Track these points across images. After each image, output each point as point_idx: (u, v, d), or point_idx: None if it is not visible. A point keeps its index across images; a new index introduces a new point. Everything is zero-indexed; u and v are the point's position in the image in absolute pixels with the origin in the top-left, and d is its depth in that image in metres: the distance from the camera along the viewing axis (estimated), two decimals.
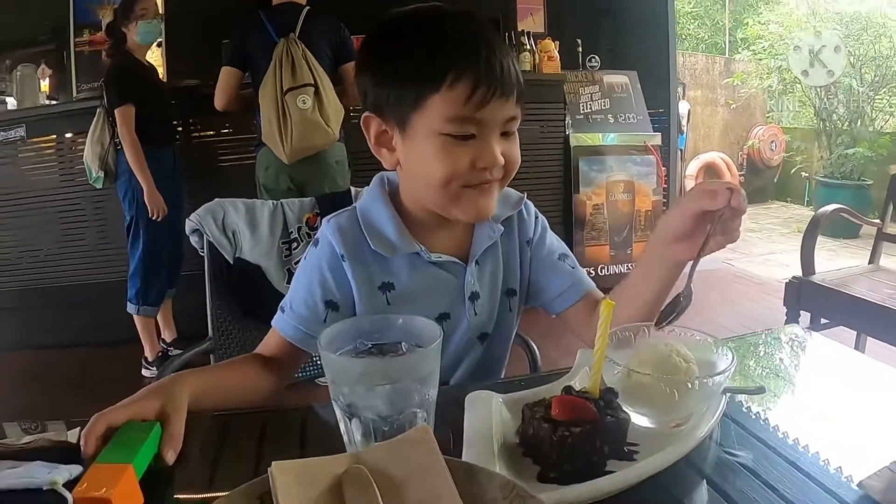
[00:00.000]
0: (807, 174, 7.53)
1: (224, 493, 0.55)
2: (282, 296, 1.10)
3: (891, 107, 6.78)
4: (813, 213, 3.17)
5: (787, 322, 2.65)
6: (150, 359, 3.35)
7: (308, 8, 2.91)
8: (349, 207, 1.09)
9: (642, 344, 0.80)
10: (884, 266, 2.87)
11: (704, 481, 0.68)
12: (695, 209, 0.83)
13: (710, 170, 7.70)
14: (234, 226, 1.48)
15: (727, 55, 9.71)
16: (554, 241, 1.17)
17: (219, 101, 2.99)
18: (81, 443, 0.72)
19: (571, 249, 1.20)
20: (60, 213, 3.69)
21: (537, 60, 4.22)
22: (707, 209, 0.81)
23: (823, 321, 2.63)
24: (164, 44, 4.05)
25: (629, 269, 4.24)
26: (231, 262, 1.48)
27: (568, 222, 4.23)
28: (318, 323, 1.02)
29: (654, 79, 4.58)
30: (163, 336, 3.52)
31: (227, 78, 2.97)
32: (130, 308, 3.27)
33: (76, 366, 3.51)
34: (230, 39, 3.09)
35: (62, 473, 0.67)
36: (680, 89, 5.73)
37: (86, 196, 3.60)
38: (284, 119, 2.79)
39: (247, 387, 1.00)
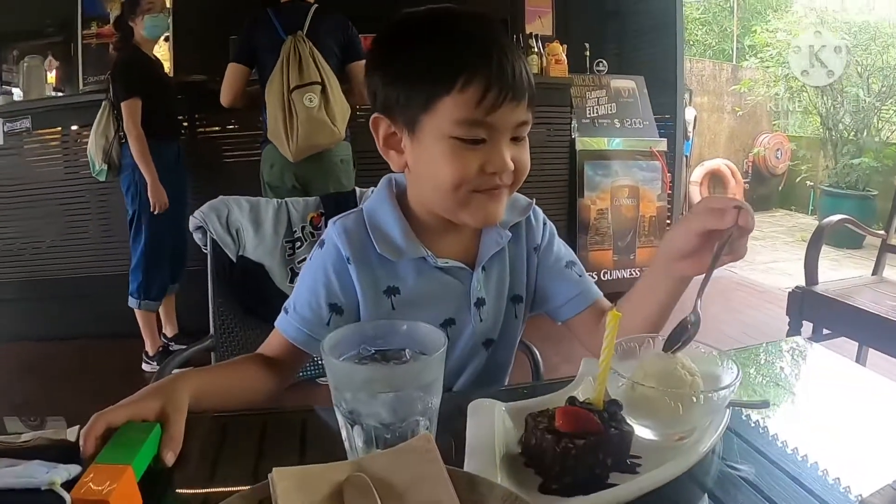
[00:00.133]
0: (812, 183, 7.52)
1: (225, 498, 0.55)
2: (284, 295, 1.10)
3: None
4: (817, 222, 3.17)
5: (789, 331, 2.65)
6: (150, 353, 3.35)
7: (316, 6, 2.91)
8: (356, 209, 1.08)
9: (647, 355, 0.80)
10: (887, 277, 2.86)
11: (706, 495, 0.68)
12: (700, 228, 0.82)
13: (714, 177, 7.69)
14: (237, 223, 1.48)
15: (734, 62, 9.69)
16: (562, 249, 1.16)
17: (225, 98, 2.99)
18: (80, 442, 0.72)
19: (575, 253, 1.19)
20: (64, 205, 3.70)
21: (545, 64, 4.22)
22: (714, 228, 0.81)
23: (826, 332, 2.61)
24: (171, 38, 4.05)
25: (632, 274, 4.26)
26: (234, 259, 1.48)
27: (572, 226, 4.23)
28: (322, 326, 1.01)
29: (661, 84, 4.57)
30: (164, 331, 3.53)
31: (233, 74, 2.96)
32: (132, 302, 3.27)
33: (76, 358, 3.51)
34: (237, 36, 3.09)
35: (61, 473, 0.67)
36: (687, 95, 5.73)
37: (90, 189, 3.60)
38: (290, 117, 2.79)
39: (248, 388, 0.99)
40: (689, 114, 6.14)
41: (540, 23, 4.75)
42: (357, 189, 1.57)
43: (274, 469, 0.56)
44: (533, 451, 0.69)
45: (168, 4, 3.54)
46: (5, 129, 3.58)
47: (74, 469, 0.68)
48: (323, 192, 1.63)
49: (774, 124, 8.63)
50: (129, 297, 3.27)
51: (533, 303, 1.15)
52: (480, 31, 0.91)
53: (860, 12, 6.82)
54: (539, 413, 0.71)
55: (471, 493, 0.57)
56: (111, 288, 3.44)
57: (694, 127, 6.70)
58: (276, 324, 1.06)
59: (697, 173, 7.61)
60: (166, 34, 3.80)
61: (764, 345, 1.12)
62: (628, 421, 0.71)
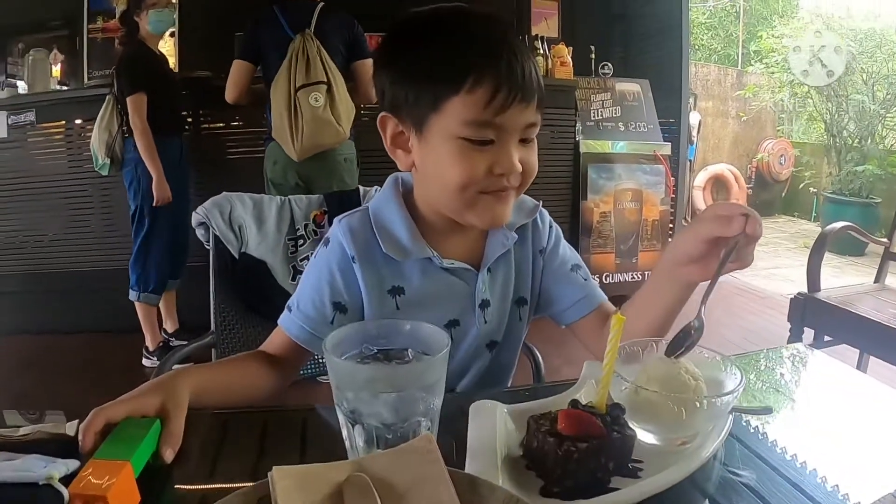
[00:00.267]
0: (815, 190, 7.52)
1: (224, 496, 0.55)
2: (286, 293, 1.09)
3: None
4: (820, 228, 3.16)
5: (790, 338, 2.65)
6: (150, 348, 3.35)
7: (322, 4, 2.90)
8: (361, 208, 1.08)
9: (651, 359, 0.79)
10: (889, 285, 2.85)
11: (707, 501, 0.68)
12: (707, 235, 0.82)
13: (718, 182, 7.69)
14: (240, 220, 1.48)
15: (740, 67, 9.70)
16: (567, 252, 1.16)
17: (230, 95, 2.99)
18: (80, 437, 0.71)
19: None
20: (67, 198, 3.70)
21: (550, 66, 4.21)
22: (721, 235, 0.80)
23: (827, 339, 2.61)
24: (177, 34, 4.05)
25: (634, 277, 4.25)
26: (236, 256, 1.47)
27: (575, 229, 4.21)
28: (325, 324, 1.00)
29: (665, 88, 4.57)
30: (164, 327, 3.53)
31: (238, 71, 2.96)
32: (132, 295, 3.27)
33: (76, 352, 3.51)
34: (243, 32, 3.09)
35: (59, 468, 0.66)
36: (691, 100, 5.72)
37: (92, 183, 3.61)
38: (296, 116, 2.79)
39: (249, 385, 0.99)
40: (694, 118, 6.13)
41: (546, 24, 4.74)
42: (360, 188, 1.57)
43: (274, 468, 0.56)
44: (535, 454, 0.69)
45: (174, 0, 3.54)
46: (9, 122, 3.59)
47: (73, 464, 0.68)
48: (326, 191, 1.63)
49: (779, 130, 8.64)
50: (130, 290, 3.27)
51: (537, 305, 1.14)
52: (490, 30, 0.90)
53: (866, 19, 6.81)
54: (541, 415, 0.71)
55: (472, 494, 0.56)
56: (113, 282, 3.44)
57: (698, 131, 6.70)
58: (279, 321, 1.05)
59: (701, 178, 7.61)
60: (172, 30, 3.80)
61: (765, 351, 1.12)
62: (631, 425, 0.71)
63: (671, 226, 4.49)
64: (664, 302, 0.94)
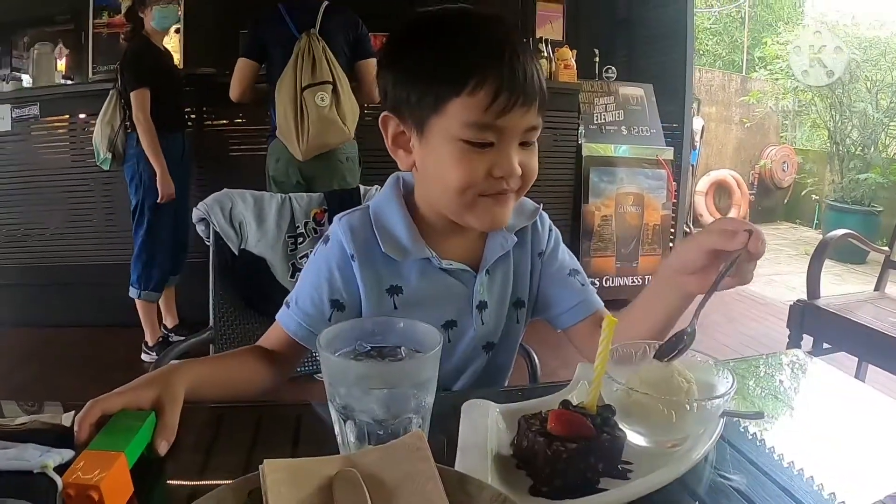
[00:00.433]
0: (817, 197, 7.51)
1: (214, 488, 0.55)
2: (285, 290, 1.10)
3: None
4: (821, 236, 3.16)
5: (789, 345, 2.64)
6: (150, 344, 3.36)
7: (327, 3, 2.91)
8: (362, 206, 1.08)
9: (645, 362, 0.80)
10: (889, 294, 2.85)
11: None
12: (709, 246, 0.82)
13: (720, 187, 7.68)
14: (241, 217, 1.48)
15: (744, 73, 9.68)
16: (566, 257, 1.16)
17: (234, 93, 3.00)
18: (75, 428, 0.72)
19: (578, 259, 1.19)
20: (69, 192, 3.71)
21: (554, 68, 4.22)
22: (722, 249, 0.80)
23: (826, 346, 2.61)
24: (181, 30, 4.06)
25: (634, 281, 4.25)
26: (236, 253, 1.48)
27: (576, 232, 4.22)
28: (323, 322, 1.01)
29: (669, 93, 4.56)
30: (164, 322, 3.54)
31: (243, 70, 2.97)
32: (132, 292, 3.28)
33: (75, 346, 3.52)
34: (247, 30, 3.09)
35: (54, 457, 0.67)
36: (695, 105, 5.71)
37: (95, 177, 3.61)
38: (301, 116, 2.79)
39: (245, 380, 0.99)
40: (697, 123, 6.12)
41: (550, 27, 4.74)
42: (361, 187, 1.58)
43: (265, 460, 0.56)
44: (524, 453, 0.69)
45: None
46: (13, 116, 3.60)
47: (68, 454, 0.68)
48: (327, 189, 1.63)
49: (782, 137, 8.62)
50: (130, 287, 3.28)
51: (534, 309, 1.15)
52: (493, 32, 0.90)
53: (871, 27, 6.80)
54: (532, 415, 0.71)
55: (460, 491, 0.57)
56: (113, 277, 3.45)
57: (701, 137, 6.68)
58: (277, 317, 1.06)
59: (703, 183, 7.60)
60: (177, 26, 3.81)
61: (763, 356, 1.12)
62: (621, 426, 0.71)
63: (672, 231, 4.49)
64: (662, 308, 0.94)
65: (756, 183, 8.09)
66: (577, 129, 4.23)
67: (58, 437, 0.72)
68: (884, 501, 0.65)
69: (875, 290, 2.88)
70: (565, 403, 0.72)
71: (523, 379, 1.37)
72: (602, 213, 4.26)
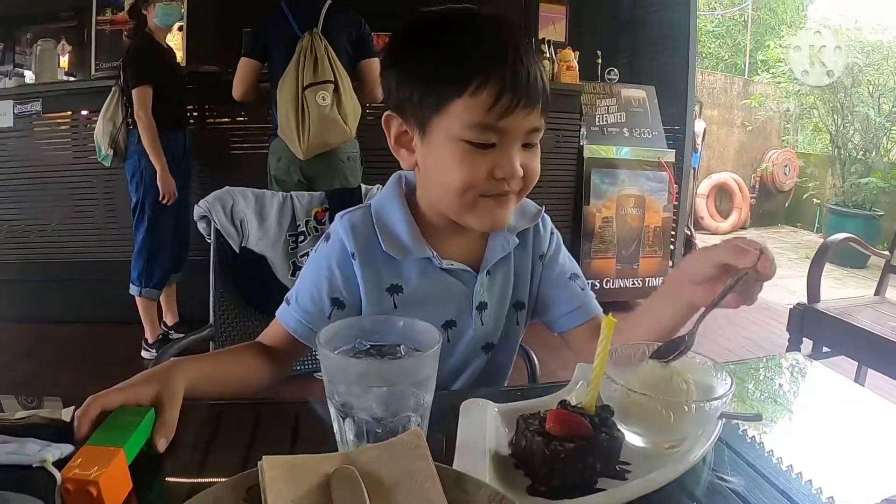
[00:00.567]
0: (818, 201, 7.51)
1: (213, 485, 0.55)
2: (285, 288, 1.09)
3: None
4: (822, 240, 3.16)
5: (789, 348, 2.64)
6: (150, 341, 3.36)
7: (330, 2, 2.91)
8: (364, 205, 1.08)
9: (642, 363, 0.80)
10: (889, 298, 2.85)
11: None
12: (719, 260, 0.82)
13: (722, 190, 7.68)
14: (242, 215, 1.49)
15: (746, 76, 9.69)
16: (567, 261, 1.15)
17: (237, 92, 3.00)
18: (75, 424, 0.72)
19: (578, 261, 1.19)
20: (71, 189, 3.71)
21: (556, 70, 4.22)
22: (732, 264, 0.81)
23: (825, 349, 2.61)
24: (184, 28, 4.06)
25: (634, 283, 4.24)
26: (237, 250, 1.48)
27: (576, 234, 4.22)
28: (323, 319, 1.01)
29: (671, 95, 4.56)
30: (164, 319, 3.54)
31: (245, 69, 2.97)
32: (133, 290, 3.28)
33: (75, 342, 3.52)
34: (250, 29, 3.10)
35: (53, 452, 0.67)
36: (697, 107, 5.72)
37: (97, 174, 3.62)
38: (303, 115, 2.79)
39: (245, 376, 0.99)
40: (699, 126, 6.12)
41: (553, 28, 4.75)
42: (362, 186, 1.58)
43: (264, 457, 0.56)
44: (523, 453, 0.70)
45: None
46: (16, 112, 3.60)
47: (67, 448, 0.69)
48: (328, 188, 1.63)
49: (783, 140, 8.62)
50: (131, 285, 3.28)
51: (533, 311, 1.15)
52: (497, 33, 0.90)
53: (874, 31, 6.80)
54: (531, 415, 0.71)
55: (458, 490, 0.57)
56: (114, 273, 3.45)
57: (703, 139, 6.68)
58: (276, 314, 1.06)
59: (704, 186, 7.61)
60: (180, 23, 3.81)
61: (762, 359, 1.12)
62: (619, 427, 0.71)
63: (673, 233, 4.49)
64: (665, 315, 0.94)
65: (757, 186, 8.09)
66: (579, 131, 4.22)
67: (57, 432, 0.73)
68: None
69: (875, 295, 2.88)
70: (564, 403, 0.73)
71: (522, 379, 1.37)
72: (603, 214, 4.25)
